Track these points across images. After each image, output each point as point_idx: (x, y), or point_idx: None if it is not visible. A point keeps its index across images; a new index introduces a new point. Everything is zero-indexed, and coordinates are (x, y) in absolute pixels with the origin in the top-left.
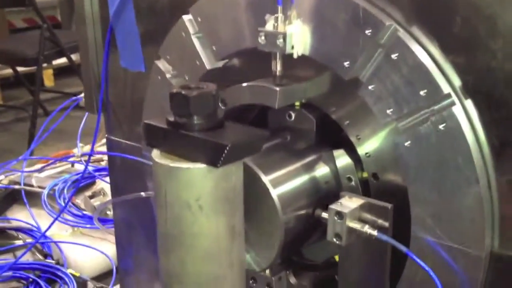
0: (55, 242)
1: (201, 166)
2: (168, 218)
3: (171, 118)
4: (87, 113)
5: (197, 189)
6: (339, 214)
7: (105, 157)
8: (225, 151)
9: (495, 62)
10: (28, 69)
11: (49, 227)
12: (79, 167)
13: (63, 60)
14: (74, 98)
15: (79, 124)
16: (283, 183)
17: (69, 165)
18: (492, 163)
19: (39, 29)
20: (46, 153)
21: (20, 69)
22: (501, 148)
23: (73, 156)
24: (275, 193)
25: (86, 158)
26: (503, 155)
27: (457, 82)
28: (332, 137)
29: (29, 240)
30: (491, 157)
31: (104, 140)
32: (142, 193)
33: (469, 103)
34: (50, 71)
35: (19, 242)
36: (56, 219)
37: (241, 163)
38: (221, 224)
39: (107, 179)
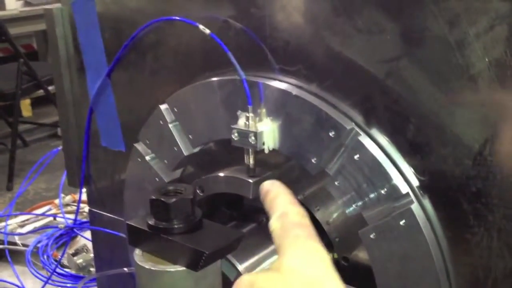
0: None
1: (181, 269)
2: None
3: (151, 222)
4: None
5: None
6: None
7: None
8: (203, 258)
9: (446, 167)
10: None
11: None
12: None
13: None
14: (55, 150)
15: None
16: (258, 268)
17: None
18: (450, 256)
19: (15, 60)
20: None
21: None
22: (456, 243)
23: (54, 208)
24: None
25: (70, 209)
26: (458, 249)
27: (414, 181)
28: None
29: None
30: (449, 251)
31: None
32: (125, 269)
33: (426, 201)
34: (28, 101)
35: None
36: (46, 283)
37: (219, 261)
38: None
39: (87, 234)
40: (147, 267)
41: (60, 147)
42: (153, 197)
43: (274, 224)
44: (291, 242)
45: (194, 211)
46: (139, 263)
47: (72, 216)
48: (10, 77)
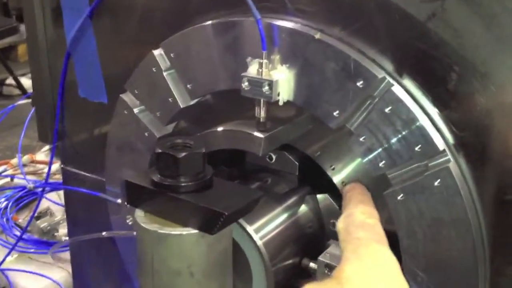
0: (1, 270)
1: (193, 231)
2: (155, 287)
3: (156, 178)
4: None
5: (188, 256)
6: (329, 266)
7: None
8: (221, 219)
9: (489, 121)
10: None
11: (4, 259)
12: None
13: None
14: (8, 108)
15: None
16: (268, 230)
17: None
18: (485, 220)
19: None
20: None
21: None
22: (493, 206)
23: (10, 168)
24: (260, 242)
25: (26, 170)
26: (496, 212)
27: (451, 138)
28: (316, 179)
29: None
30: (484, 214)
31: (46, 147)
32: (104, 233)
33: (463, 160)
34: None
35: None
36: (12, 249)
37: (233, 224)
38: None
39: (51, 195)
40: (152, 229)
41: (10, 106)
42: (160, 151)
43: (339, 225)
44: (354, 247)
45: (204, 168)
46: (143, 225)
47: (30, 177)
48: None
